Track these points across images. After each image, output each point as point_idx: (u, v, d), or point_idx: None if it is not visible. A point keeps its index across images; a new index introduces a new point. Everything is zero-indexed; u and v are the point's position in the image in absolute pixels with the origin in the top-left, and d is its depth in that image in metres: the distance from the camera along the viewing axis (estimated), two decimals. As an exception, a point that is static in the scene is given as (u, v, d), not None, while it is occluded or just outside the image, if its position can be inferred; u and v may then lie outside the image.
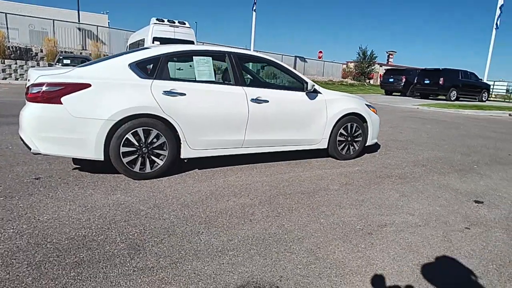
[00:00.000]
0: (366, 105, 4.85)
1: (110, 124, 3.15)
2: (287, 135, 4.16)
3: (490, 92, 23.07)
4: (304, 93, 4.24)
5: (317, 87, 4.31)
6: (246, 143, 3.91)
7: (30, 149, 3.11)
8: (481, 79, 20.94)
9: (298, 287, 1.86)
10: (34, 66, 16.96)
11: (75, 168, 3.66)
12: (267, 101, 3.92)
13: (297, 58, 31.64)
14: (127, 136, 3.24)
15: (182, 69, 5.17)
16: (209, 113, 3.62)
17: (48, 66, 16.89)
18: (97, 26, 21.98)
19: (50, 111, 3.02)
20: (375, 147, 5.50)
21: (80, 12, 25.39)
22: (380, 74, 33.32)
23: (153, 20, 11.73)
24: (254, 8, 22.40)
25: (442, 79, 18.59)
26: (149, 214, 2.66)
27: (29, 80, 3.17)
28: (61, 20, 21.08)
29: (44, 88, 3.01)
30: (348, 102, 4.61)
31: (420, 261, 2.19)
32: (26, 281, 1.79)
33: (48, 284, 1.76)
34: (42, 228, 2.35)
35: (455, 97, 19.01)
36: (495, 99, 25.80)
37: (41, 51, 18.81)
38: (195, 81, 3.69)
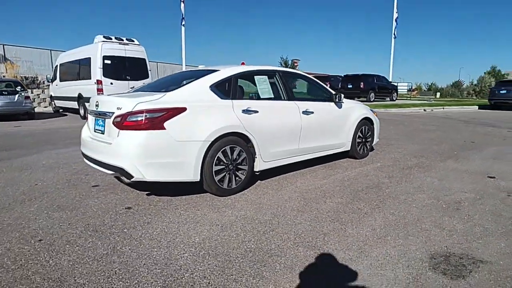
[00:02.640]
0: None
1: (207, 145, 3.29)
2: (326, 141, 4.73)
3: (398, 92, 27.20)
4: (333, 103, 4.88)
5: (341, 96, 4.99)
6: (299, 151, 4.35)
7: (132, 177, 3.06)
8: (391, 81, 24.61)
9: (463, 247, 2.44)
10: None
11: (149, 194, 3.61)
12: (313, 112, 4.44)
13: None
14: (218, 155, 3.41)
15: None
16: (276, 127, 3.98)
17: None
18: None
19: (155, 137, 3.05)
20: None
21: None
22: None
23: (100, 38, 11.13)
24: (183, 23, 22.46)
25: (362, 83, 21.37)
26: (282, 221, 2.94)
27: (119, 108, 3.12)
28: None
29: (147, 115, 3.03)
30: (361, 109, 5.41)
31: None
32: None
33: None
34: (211, 246, 2.47)
35: (373, 98, 22.01)
36: (400, 98, 30.45)
37: None
38: (259, 98, 4.01)
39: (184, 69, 21.69)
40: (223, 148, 3.45)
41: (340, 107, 4.95)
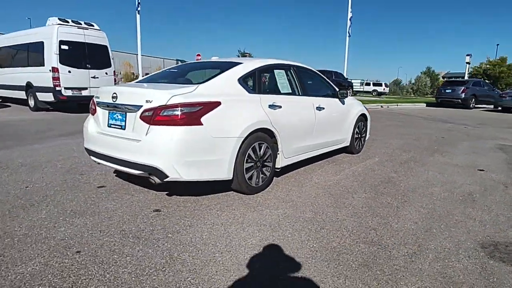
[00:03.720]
0: None
1: (240, 142, 3.17)
2: (333, 136, 4.83)
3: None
4: (337, 99, 4.98)
5: (345, 93, 5.11)
6: (312, 147, 4.38)
7: (166, 177, 2.84)
8: (347, 78, 25.83)
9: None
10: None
11: (169, 194, 3.39)
12: (324, 108, 4.49)
13: (179, 62, 31.44)
14: (248, 151, 3.30)
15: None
16: (296, 123, 3.96)
17: None
18: None
19: (193, 133, 2.85)
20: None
21: None
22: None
23: (54, 20, 10.08)
24: (138, 9, 21.20)
25: (321, 79, 22.16)
26: (326, 218, 2.94)
27: (149, 101, 2.85)
28: None
29: (184, 109, 2.81)
30: (358, 105, 5.60)
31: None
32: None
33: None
34: (273, 248, 2.39)
35: (331, 95, 22.99)
36: (354, 94, 32.16)
37: None
38: (280, 93, 3.95)
39: (139, 59, 20.57)
40: (253, 145, 3.34)
41: (343, 103, 5.07)
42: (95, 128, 3.40)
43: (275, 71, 4.04)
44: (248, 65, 3.62)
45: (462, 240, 2.63)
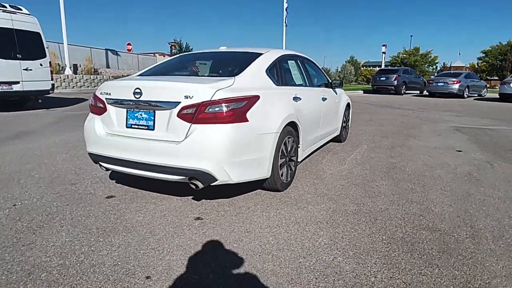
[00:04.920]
0: None
1: (278, 137, 3.03)
2: (331, 126, 4.90)
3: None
4: (331, 89, 5.05)
5: (335, 83, 5.19)
6: (319, 138, 4.40)
7: (215, 181, 2.58)
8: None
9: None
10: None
11: (195, 199, 3.11)
12: (326, 99, 4.52)
13: (109, 52, 29.03)
14: (281, 147, 3.17)
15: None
16: (311, 115, 3.92)
17: None
18: None
19: (241, 131, 2.62)
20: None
21: None
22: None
23: (-30, 1, 8.45)
24: (62, -9, 18.90)
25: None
26: (371, 208, 2.98)
27: (188, 97, 2.54)
28: None
29: (231, 105, 2.56)
30: (344, 94, 5.76)
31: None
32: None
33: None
34: (343, 245, 2.34)
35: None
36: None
37: None
38: (296, 85, 3.84)
39: (66, 48, 18.43)
40: (284, 140, 3.21)
41: (336, 93, 5.16)
42: (105, 130, 2.94)
43: (288, 61, 3.92)
44: (270, 56, 3.45)
45: (500, 217, 2.87)
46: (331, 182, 3.72)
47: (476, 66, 48.85)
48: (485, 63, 47.43)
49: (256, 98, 2.81)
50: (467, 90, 17.94)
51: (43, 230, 2.50)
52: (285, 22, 30.01)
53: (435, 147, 5.56)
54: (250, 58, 3.30)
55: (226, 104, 2.55)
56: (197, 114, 2.53)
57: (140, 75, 3.48)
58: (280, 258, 2.18)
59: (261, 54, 3.41)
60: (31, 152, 4.74)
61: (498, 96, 16.41)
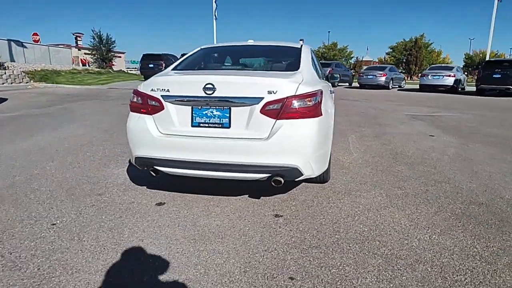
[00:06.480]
0: None
1: (332, 130, 3.16)
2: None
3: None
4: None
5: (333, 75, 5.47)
6: (329, 130, 4.64)
7: (301, 175, 2.63)
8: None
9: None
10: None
11: (250, 197, 3.09)
12: (333, 92, 4.77)
13: (12, 43, 25.45)
14: (330, 139, 3.32)
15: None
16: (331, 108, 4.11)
17: None
18: None
19: (322, 124, 2.70)
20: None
21: None
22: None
23: None
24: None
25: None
26: (416, 191, 3.31)
27: (272, 92, 2.51)
28: None
29: (313, 99, 2.61)
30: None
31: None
32: None
33: None
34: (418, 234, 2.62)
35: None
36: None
37: None
38: (323, 78, 3.98)
39: None
40: (330, 133, 3.37)
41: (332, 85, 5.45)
42: (161, 130, 2.72)
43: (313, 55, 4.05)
44: (306, 49, 3.53)
45: (514, 188, 3.46)
46: (357, 170, 3.99)
47: (383, 60, 55.18)
48: (392, 57, 53.78)
49: (321, 92, 2.90)
50: (391, 82, 20.21)
51: (120, 247, 2.26)
52: (215, 15, 29.85)
53: (411, 134, 6.27)
54: (294, 52, 3.36)
55: (308, 99, 2.60)
56: (284, 109, 2.52)
57: (175, 69, 3.27)
58: (358, 255, 2.35)
59: (299, 48, 3.49)
60: (6, 163, 4.06)
61: (419, 87, 18.84)
